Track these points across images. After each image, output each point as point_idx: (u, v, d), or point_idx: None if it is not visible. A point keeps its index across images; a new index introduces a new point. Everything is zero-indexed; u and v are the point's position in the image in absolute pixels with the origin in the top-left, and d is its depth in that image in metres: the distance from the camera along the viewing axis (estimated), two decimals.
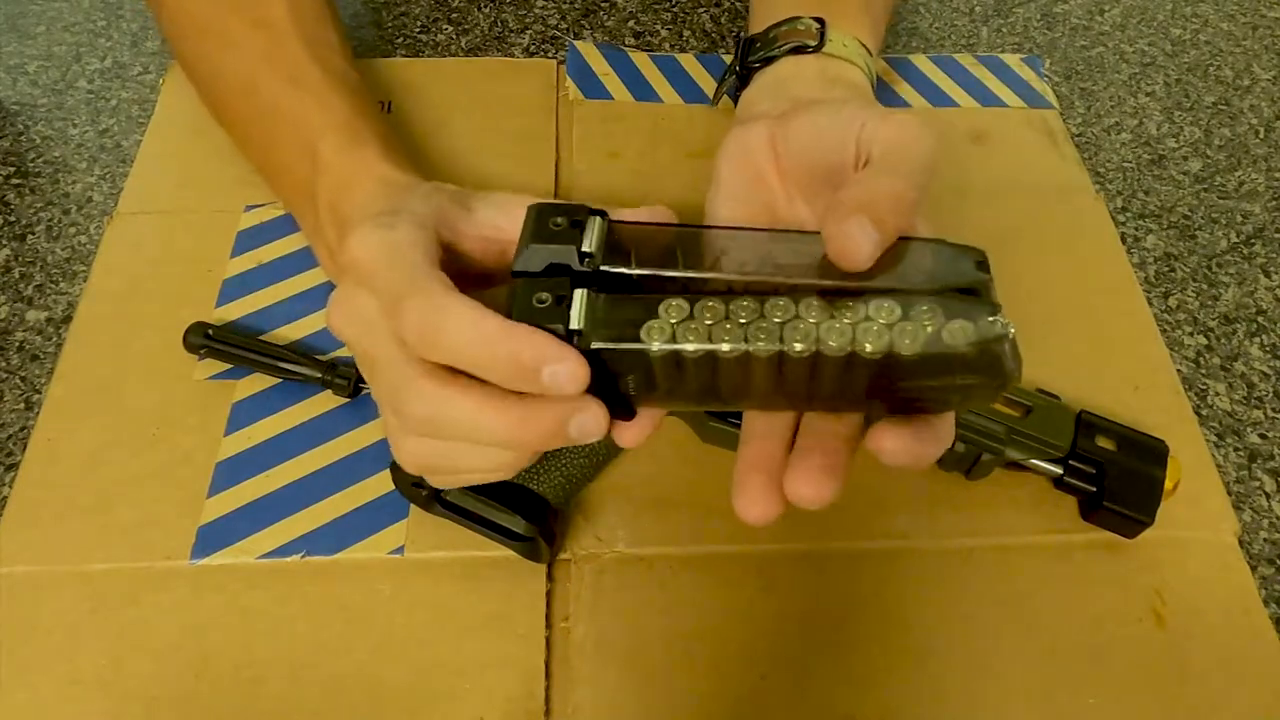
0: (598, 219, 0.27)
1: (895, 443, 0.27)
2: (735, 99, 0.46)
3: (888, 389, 0.26)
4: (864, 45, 0.43)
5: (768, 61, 0.44)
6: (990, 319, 0.24)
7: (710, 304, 0.25)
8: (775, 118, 0.34)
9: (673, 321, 0.25)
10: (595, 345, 0.25)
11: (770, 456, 0.29)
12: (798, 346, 0.24)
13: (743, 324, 0.25)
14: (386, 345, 0.28)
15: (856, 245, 0.25)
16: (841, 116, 0.32)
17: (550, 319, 0.26)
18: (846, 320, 0.24)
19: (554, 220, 0.27)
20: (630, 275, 0.27)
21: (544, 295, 0.26)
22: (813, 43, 0.43)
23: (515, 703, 0.36)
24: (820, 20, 0.43)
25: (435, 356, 0.27)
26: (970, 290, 0.25)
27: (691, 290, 0.26)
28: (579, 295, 0.26)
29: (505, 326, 0.25)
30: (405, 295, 0.27)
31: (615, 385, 0.27)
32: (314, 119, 0.41)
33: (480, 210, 0.32)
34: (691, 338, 0.25)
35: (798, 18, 0.44)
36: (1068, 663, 0.38)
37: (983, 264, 0.26)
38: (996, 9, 0.69)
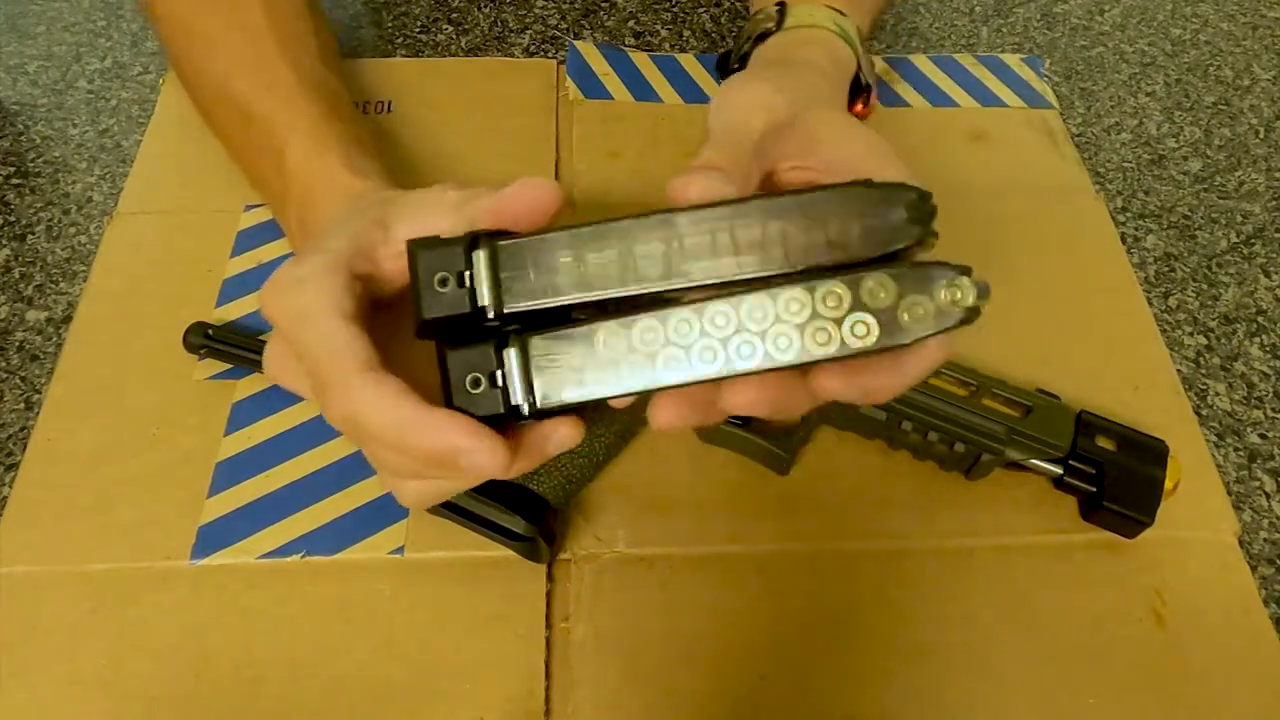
0: (481, 254, 0.24)
1: (834, 382, 0.25)
2: None
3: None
4: (837, 10, 0.44)
5: (743, 60, 0.45)
6: (946, 288, 0.22)
7: (648, 325, 0.23)
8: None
9: (612, 357, 0.24)
10: (544, 407, 0.24)
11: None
12: (749, 365, 0.23)
13: (691, 342, 0.23)
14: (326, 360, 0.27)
15: (683, 185, 0.26)
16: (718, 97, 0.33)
17: (489, 405, 0.24)
18: (794, 319, 0.23)
19: (438, 276, 0.24)
20: (542, 309, 0.24)
21: (476, 375, 0.24)
22: (772, 25, 0.44)
23: (515, 703, 0.36)
24: (781, 3, 0.44)
25: (364, 445, 0.27)
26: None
27: (611, 307, 0.24)
28: (510, 360, 0.24)
29: (417, 418, 0.24)
30: (322, 384, 0.26)
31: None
32: (281, 125, 0.41)
33: (396, 227, 0.30)
34: (632, 374, 0.24)
35: (761, 10, 0.45)
36: (1068, 663, 0.38)
37: (918, 206, 0.23)
38: (996, 9, 0.69)
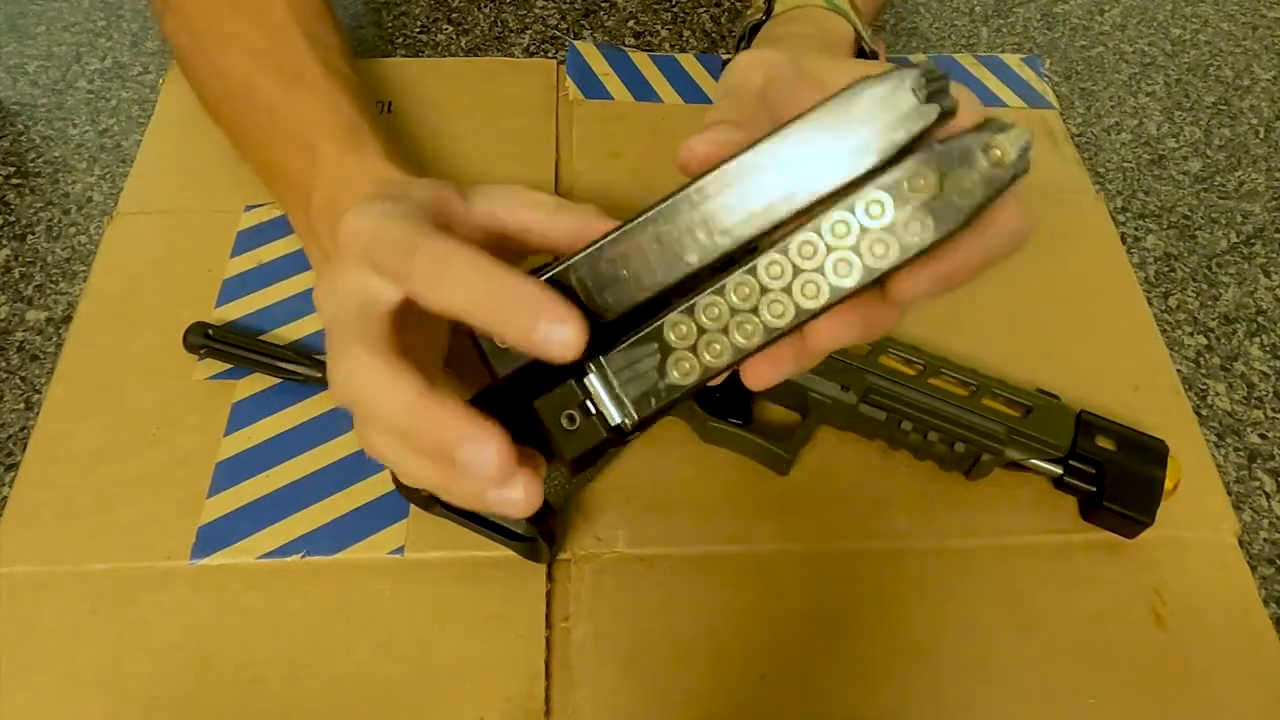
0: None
1: (909, 284, 0.24)
2: None
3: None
4: None
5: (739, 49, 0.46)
6: (984, 153, 0.21)
7: (711, 301, 0.23)
8: None
9: (687, 346, 0.24)
10: (644, 416, 0.24)
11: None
12: (817, 304, 0.23)
13: (755, 304, 0.23)
14: (352, 319, 0.27)
15: (690, 146, 0.26)
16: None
17: (592, 435, 0.25)
18: (845, 243, 0.22)
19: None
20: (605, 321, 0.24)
21: (570, 414, 0.25)
22: (761, 16, 0.45)
23: (515, 703, 0.36)
24: None
25: (434, 297, 0.25)
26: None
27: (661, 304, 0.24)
28: (595, 386, 0.24)
29: (508, 276, 0.24)
30: (418, 238, 0.26)
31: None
32: (313, 117, 0.41)
33: (476, 202, 0.31)
34: (712, 354, 0.23)
35: (751, 5, 0.46)
36: (1068, 663, 0.38)
37: (925, 82, 0.21)
38: (996, 9, 0.69)
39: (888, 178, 0.22)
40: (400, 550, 0.40)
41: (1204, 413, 0.48)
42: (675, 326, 0.24)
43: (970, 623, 0.39)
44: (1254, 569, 0.42)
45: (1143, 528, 0.40)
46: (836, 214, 0.22)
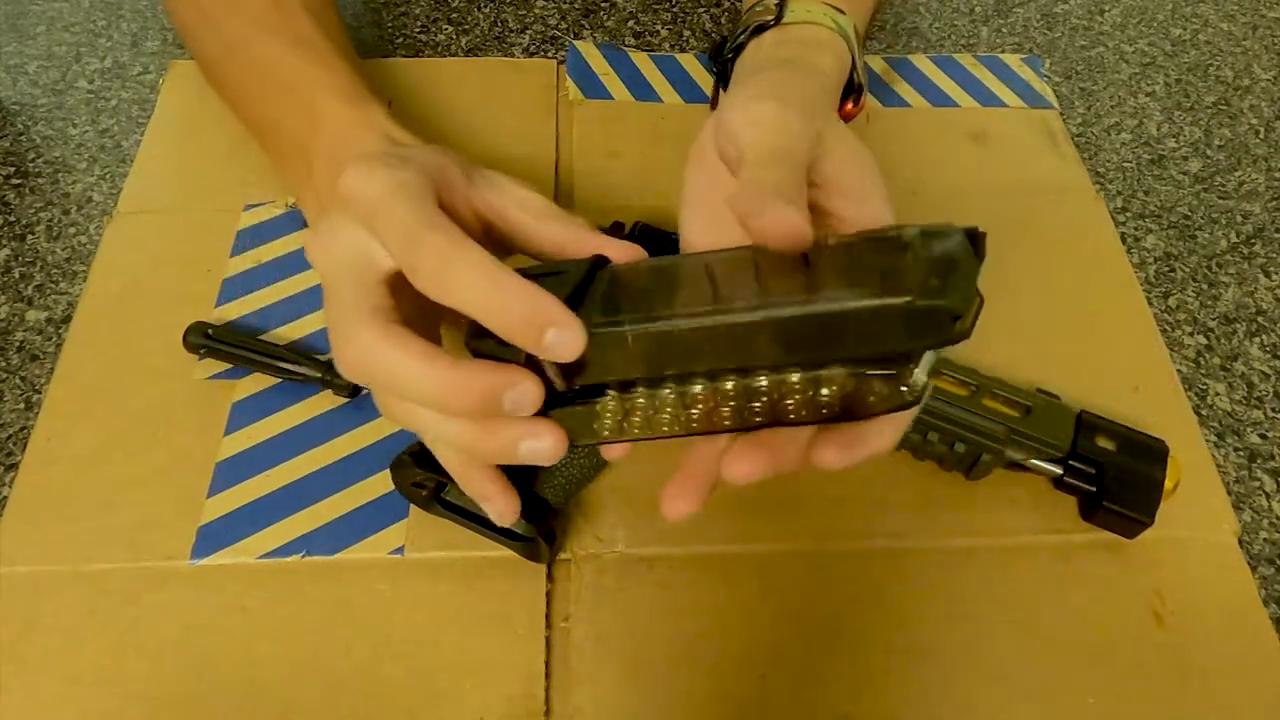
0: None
1: (832, 454, 0.28)
2: None
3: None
4: (835, 7, 0.43)
5: (737, 50, 0.45)
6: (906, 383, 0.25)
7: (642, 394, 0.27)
8: (716, 112, 0.35)
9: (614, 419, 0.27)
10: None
11: (709, 459, 0.30)
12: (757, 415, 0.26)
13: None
14: (350, 286, 0.28)
15: (780, 221, 0.26)
16: (731, 99, 0.33)
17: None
18: (794, 394, 0.26)
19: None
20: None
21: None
22: (770, 18, 0.43)
23: (515, 703, 0.36)
24: None
25: (438, 294, 0.26)
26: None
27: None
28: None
29: (514, 282, 0.25)
30: (423, 230, 0.26)
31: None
32: (315, 77, 0.41)
33: (479, 183, 0.32)
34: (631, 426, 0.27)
35: (759, 2, 0.45)
36: (1068, 663, 0.38)
37: (949, 337, 0.24)
38: (996, 9, 0.69)
39: (855, 370, 0.26)
40: (400, 550, 0.40)
41: (1204, 413, 0.48)
42: (607, 405, 0.27)
43: (970, 623, 0.39)
44: (1254, 569, 0.42)
45: (1143, 528, 0.40)
46: (798, 375, 0.26)
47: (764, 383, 0.26)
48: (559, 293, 0.26)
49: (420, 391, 0.26)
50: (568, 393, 0.27)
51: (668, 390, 0.27)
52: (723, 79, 0.47)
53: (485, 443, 0.27)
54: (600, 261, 0.29)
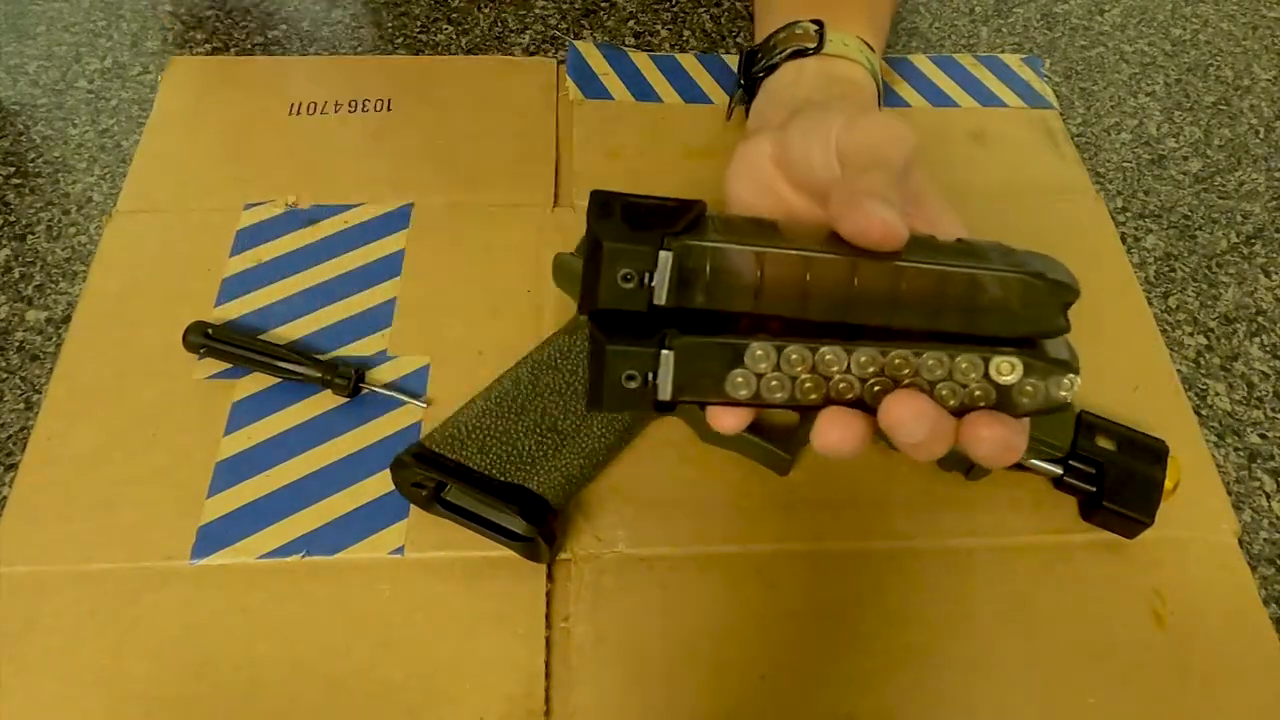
0: (670, 255, 0.26)
1: (992, 431, 0.27)
2: (748, 110, 0.47)
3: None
4: (865, 42, 0.43)
5: (770, 70, 0.44)
6: (1058, 385, 0.26)
7: (798, 352, 0.26)
8: (776, 127, 0.34)
9: (755, 372, 0.26)
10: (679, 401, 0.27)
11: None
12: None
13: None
14: None
15: (873, 218, 0.26)
16: (822, 123, 0.32)
17: (640, 401, 0.27)
18: (930, 376, 0.27)
19: (623, 273, 0.26)
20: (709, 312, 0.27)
21: (632, 373, 0.26)
22: (811, 45, 0.43)
23: (515, 703, 0.36)
24: (819, 22, 0.43)
25: None
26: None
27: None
28: (663, 362, 0.26)
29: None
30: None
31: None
32: None
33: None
34: (768, 390, 0.27)
35: (796, 22, 0.44)
36: (1068, 663, 0.38)
37: (1070, 304, 0.26)
38: (996, 9, 0.69)
39: (989, 351, 0.26)
40: (400, 550, 0.40)
41: (1204, 413, 0.48)
42: (755, 352, 0.26)
43: (970, 623, 0.39)
44: (1254, 569, 0.42)
45: (1143, 528, 0.40)
46: (938, 354, 0.26)
47: (910, 362, 0.26)
48: (682, 218, 0.26)
49: None
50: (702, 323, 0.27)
51: (808, 352, 0.26)
52: (749, 92, 0.47)
53: None
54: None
